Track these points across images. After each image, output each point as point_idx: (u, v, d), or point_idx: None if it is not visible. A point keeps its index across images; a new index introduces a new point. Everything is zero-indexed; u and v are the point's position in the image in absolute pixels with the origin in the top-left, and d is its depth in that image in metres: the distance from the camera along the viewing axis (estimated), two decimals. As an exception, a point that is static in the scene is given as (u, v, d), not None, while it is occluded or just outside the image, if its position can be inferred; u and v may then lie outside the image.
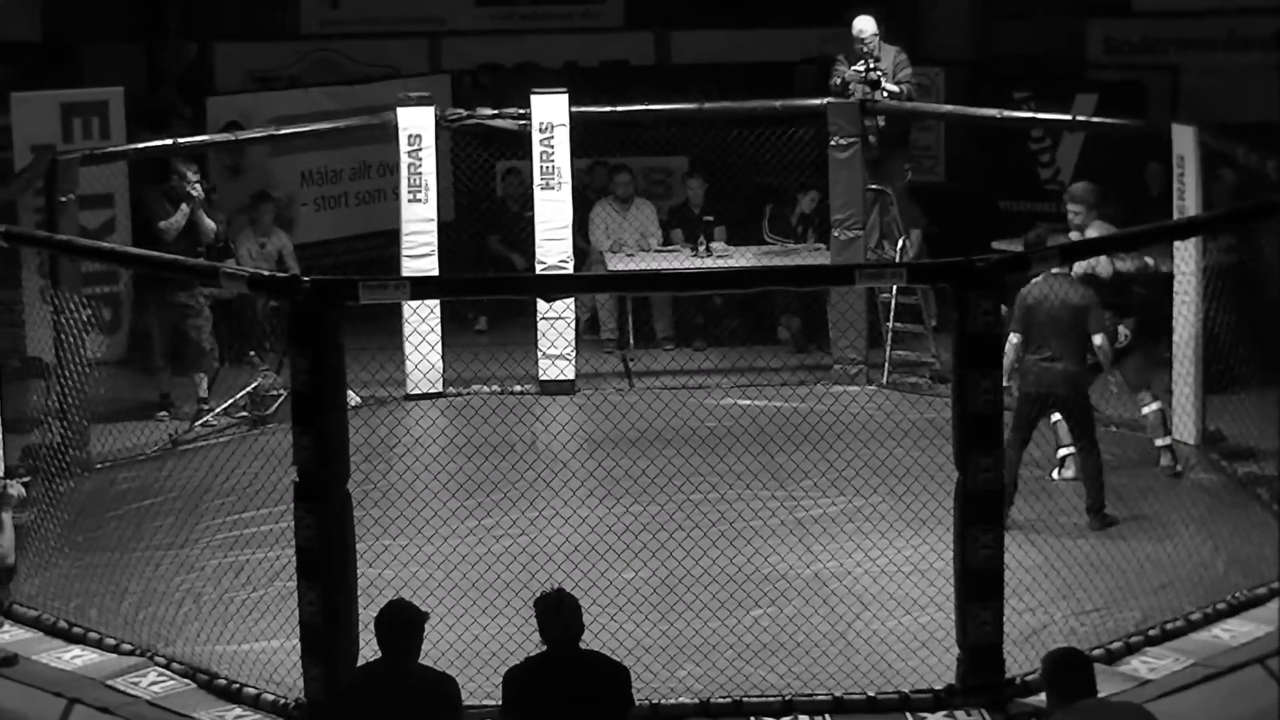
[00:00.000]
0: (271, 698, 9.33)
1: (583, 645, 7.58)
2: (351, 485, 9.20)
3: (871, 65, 14.23)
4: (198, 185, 13.93)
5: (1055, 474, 11.97)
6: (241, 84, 17.80)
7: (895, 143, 14.44)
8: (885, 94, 14.23)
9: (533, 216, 14.56)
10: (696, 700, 9.18)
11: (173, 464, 12.85)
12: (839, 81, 14.34)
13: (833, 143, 14.23)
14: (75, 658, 9.98)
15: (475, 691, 7.83)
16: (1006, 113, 14.96)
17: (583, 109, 14.46)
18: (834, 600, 10.29)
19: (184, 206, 13.94)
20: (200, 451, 13.17)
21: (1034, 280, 11.21)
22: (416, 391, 14.24)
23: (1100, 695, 7.35)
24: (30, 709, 9.45)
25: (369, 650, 8.75)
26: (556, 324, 14.23)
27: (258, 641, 9.93)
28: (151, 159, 14.58)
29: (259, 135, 15.09)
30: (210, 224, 14.21)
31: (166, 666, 9.78)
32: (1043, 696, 8.96)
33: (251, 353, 14.56)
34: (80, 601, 10.57)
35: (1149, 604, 10.12)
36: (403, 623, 7.51)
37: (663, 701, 9.11)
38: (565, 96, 14.28)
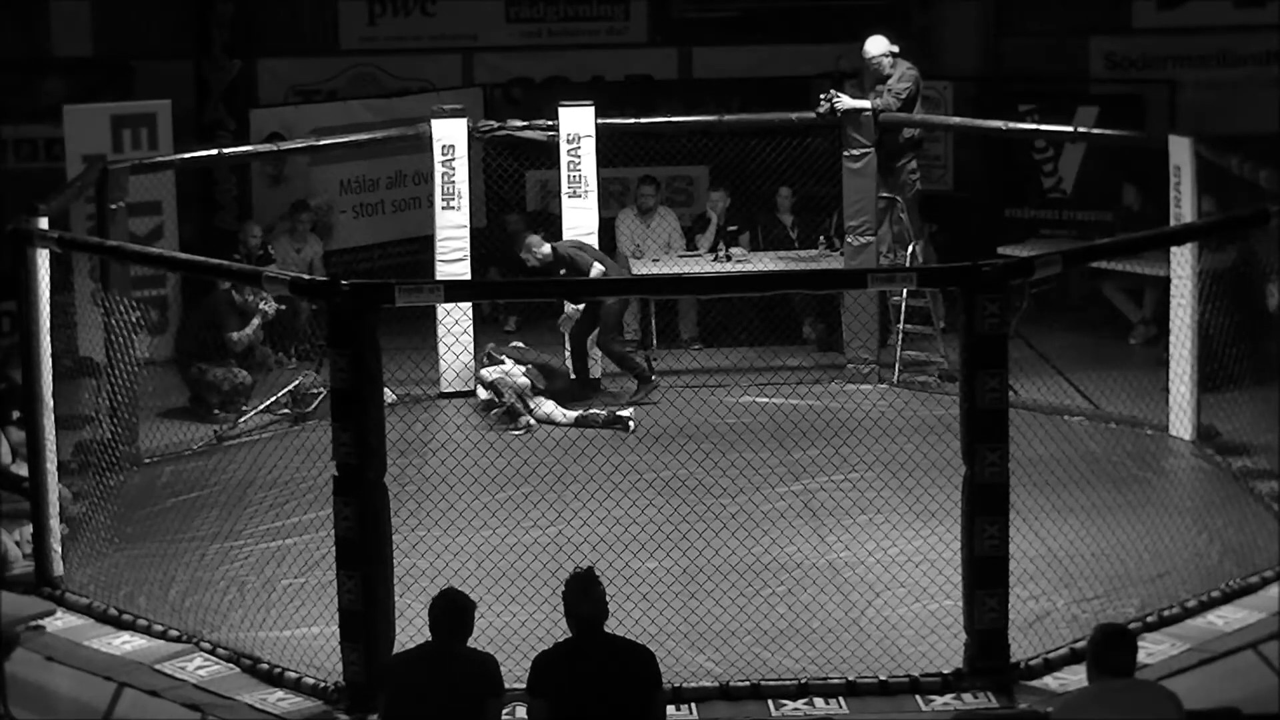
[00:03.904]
0: (312, 681, 9.45)
1: (607, 630, 7.66)
2: (388, 479, 9.33)
3: (833, 94, 14.35)
4: (270, 302, 14.11)
5: None
6: (284, 97, 17.89)
7: (890, 153, 14.51)
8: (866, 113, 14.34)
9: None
10: (717, 684, 9.32)
11: (218, 459, 12.97)
12: (820, 112, 14.44)
13: (846, 153, 14.35)
14: (125, 643, 10.16)
15: (506, 676, 7.77)
16: (1012, 124, 15.08)
17: (608, 120, 14.61)
18: (847, 588, 10.39)
19: (256, 321, 14.18)
20: (244, 447, 13.28)
21: None
22: (450, 389, 14.32)
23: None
24: (82, 692, 9.61)
25: (405, 636, 9.01)
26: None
27: (299, 628, 10.04)
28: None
29: (300, 146, 15.28)
30: (268, 351, 14.64)
31: (212, 651, 9.92)
32: (1046, 680, 9.29)
33: (285, 354, 14.96)
34: (129, 589, 10.72)
35: (1147, 592, 10.27)
36: (454, 609, 7.68)
37: (684, 685, 9.23)
38: (592, 109, 14.41)
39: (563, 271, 14.06)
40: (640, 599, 9.99)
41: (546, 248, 14.15)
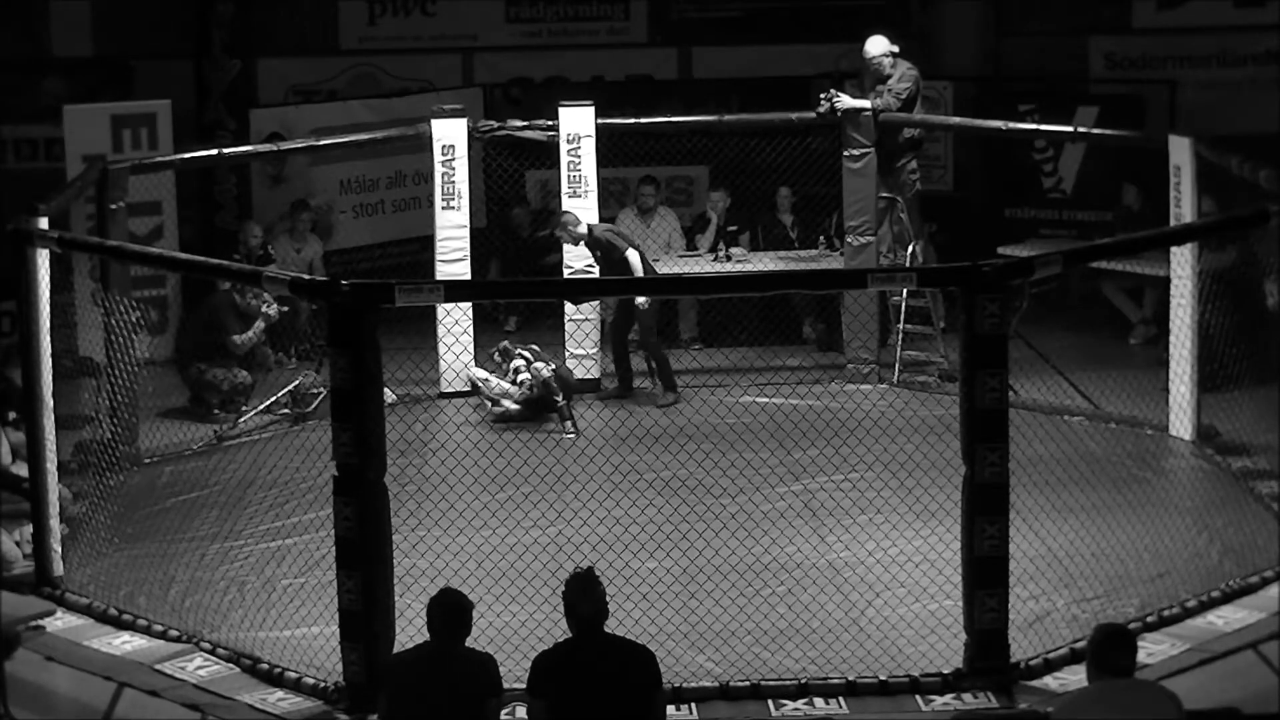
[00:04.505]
0: (312, 681, 9.47)
1: (607, 631, 7.67)
2: (388, 479, 9.35)
3: (833, 94, 14.37)
4: (273, 305, 14.08)
5: None
6: (284, 97, 17.92)
7: (890, 153, 14.52)
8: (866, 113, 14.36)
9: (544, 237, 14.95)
10: (717, 684, 9.33)
11: (218, 459, 12.98)
12: (820, 111, 14.47)
13: (846, 153, 14.37)
14: (125, 643, 10.18)
15: (505, 676, 7.80)
16: (1012, 124, 15.10)
17: (609, 120, 14.63)
18: (847, 588, 10.41)
19: (260, 324, 14.13)
20: (244, 447, 13.29)
21: None
22: (449, 390, 14.33)
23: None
24: (81, 692, 9.62)
25: (405, 636, 9.03)
26: (583, 325, 14.38)
27: (299, 628, 10.06)
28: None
29: (300, 146, 15.30)
30: (268, 351, 14.61)
31: (212, 651, 9.94)
32: (1046, 680, 9.32)
33: (285, 354, 15.01)
34: (129, 589, 10.73)
35: (1147, 592, 10.28)
36: (453, 609, 7.68)
37: (684, 685, 9.25)
38: (592, 109, 14.42)
39: (597, 254, 14.10)
40: (640, 599, 10.00)
41: (584, 226, 14.18)
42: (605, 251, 14.06)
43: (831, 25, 18.11)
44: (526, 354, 13.94)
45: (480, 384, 13.92)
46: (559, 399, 13.69)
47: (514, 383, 13.85)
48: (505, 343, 14.28)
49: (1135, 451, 12.65)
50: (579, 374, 14.43)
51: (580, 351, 14.50)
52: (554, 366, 13.88)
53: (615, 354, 14.52)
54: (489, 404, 13.87)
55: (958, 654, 9.48)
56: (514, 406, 13.77)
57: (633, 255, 13.95)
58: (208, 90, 17.28)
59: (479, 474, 11.57)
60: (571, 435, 13.40)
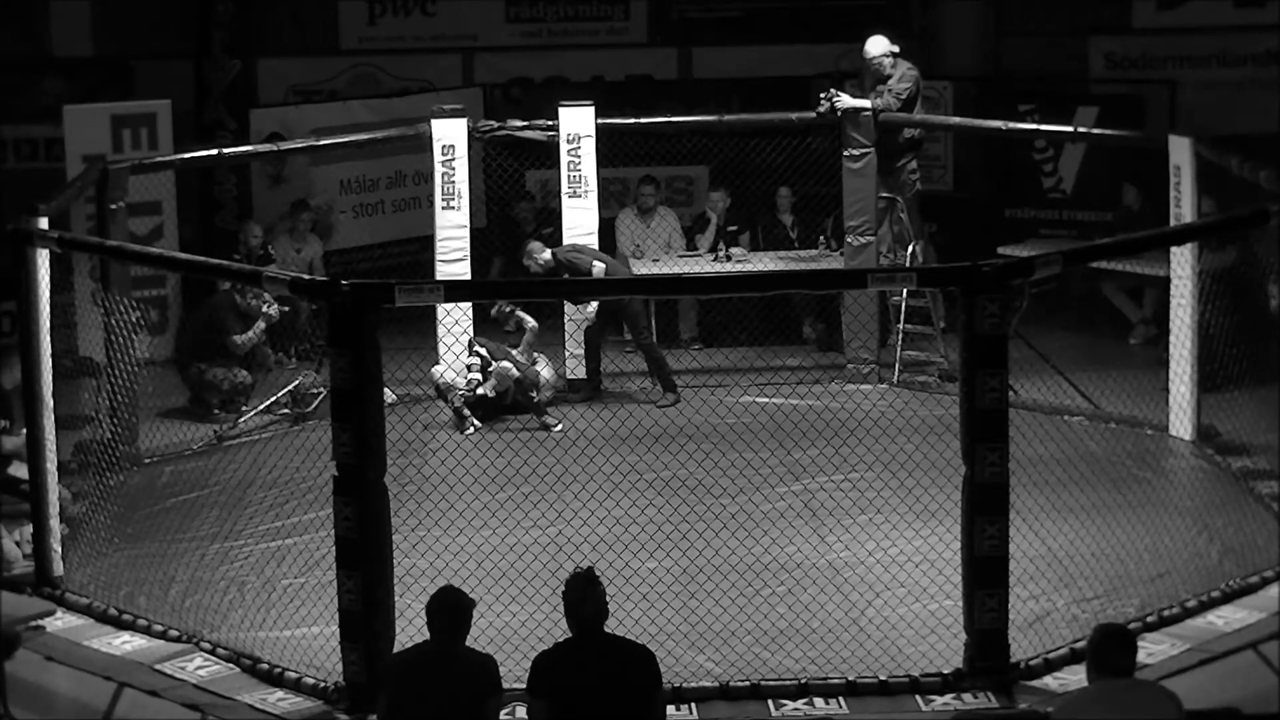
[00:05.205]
0: (312, 681, 9.48)
1: (607, 631, 7.68)
2: (388, 479, 9.35)
3: (833, 94, 14.39)
4: (274, 305, 14.04)
5: None
6: (284, 97, 17.91)
7: (890, 153, 14.51)
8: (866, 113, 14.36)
9: (548, 233, 14.90)
10: (717, 684, 9.34)
11: (218, 459, 12.99)
12: (820, 111, 14.48)
13: (846, 153, 14.37)
14: (125, 643, 10.19)
15: (506, 676, 7.82)
16: (1012, 124, 15.10)
17: (609, 120, 14.62)
18: (847, 588, 10.40)
19: (260, 324, 14.08)
20: (244, 447, 13.30)
21: None
22: (450, 390, 14.29)
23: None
24: (81, 692, 9.64)
25: (405, 636, 9.03)
26: (584, 325, 14.41)
27: (299, 628, 10.06)
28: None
29: (300, 146, 15.29)
30: (268, 351, 14.56)
31: (212, 651, 9.94)
32: (1046, 680, 9.33)
33: (285, 354, 15.01)
34: (129, 589, 10.74)
35: (1147, 592, 10.28)
36: (452, 608, 7.71)
37: (684, 685, 9.25)
38: (592, 109, 14.42)
39: (566, 275, 14.10)
40: (640, 599, 10.00)
41: (547, 253, 14.20)
42: (572, 272, 14.04)
43: (831, 25, 18.12)
44: (484, 352, 13.89)
45: (446, 389, 13.84)
46: (535, 396, 13.68)
47: (465, 379, 13.81)
48: (472, 338, 14.17)
49: (1135, 451, 12.65)
50: (580, 373, 14.45)
51: (580, 351, 14.51)
52: (521, 366, 13.83)
53: (587, 351, 14.51)
54: (452, 415, 13.81)
55: (958, 654, 9.48)
56: (471, 416, 13.72)
57: (598, 269, 13.94)
58: (208, 90, 17.29)
59: (479, 474, 11.56)
60: (559, 429, 13.38)
